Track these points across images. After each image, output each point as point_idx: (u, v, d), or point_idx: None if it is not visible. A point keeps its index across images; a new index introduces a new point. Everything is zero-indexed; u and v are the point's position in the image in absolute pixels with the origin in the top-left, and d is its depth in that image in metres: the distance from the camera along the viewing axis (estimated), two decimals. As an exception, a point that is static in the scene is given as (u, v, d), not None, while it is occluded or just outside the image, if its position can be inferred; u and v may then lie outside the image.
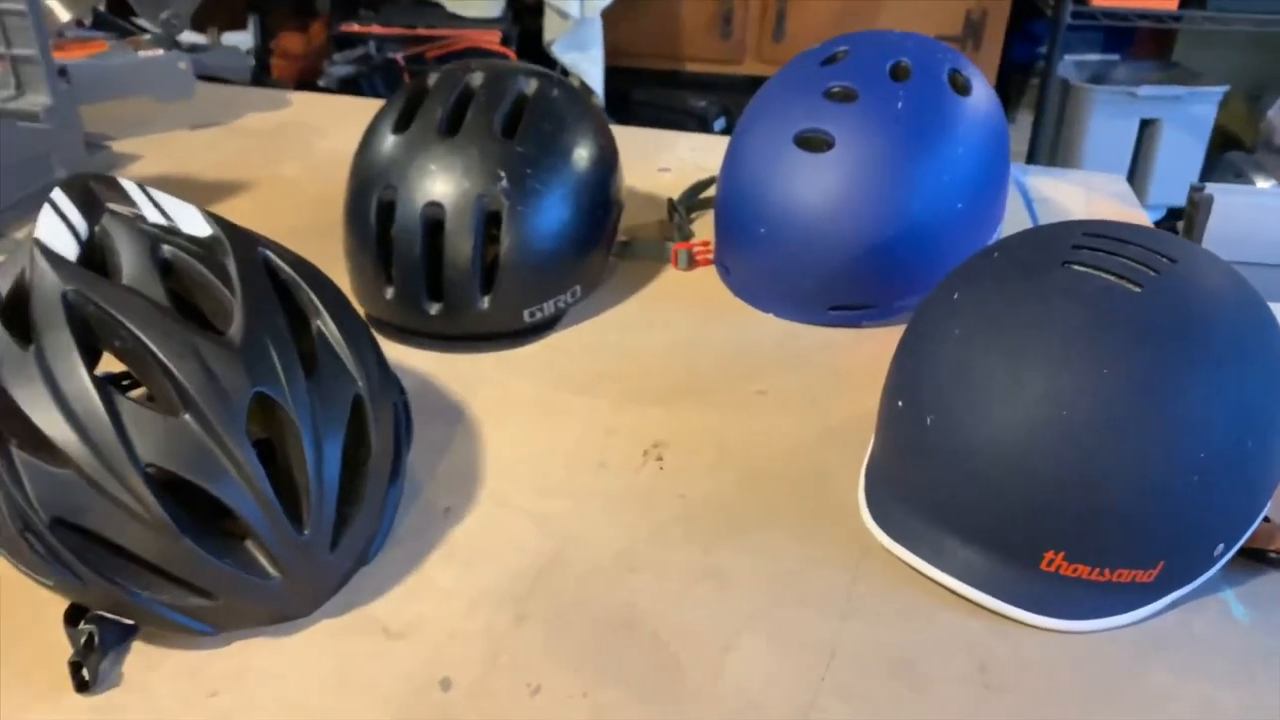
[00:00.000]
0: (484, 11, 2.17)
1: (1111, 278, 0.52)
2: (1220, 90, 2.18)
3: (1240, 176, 2.23)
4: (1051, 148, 2.29)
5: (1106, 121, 2.18)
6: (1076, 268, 0.53)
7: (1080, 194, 1.01)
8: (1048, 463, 0.50)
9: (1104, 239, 0.54)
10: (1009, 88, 2.49)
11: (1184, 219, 0.91)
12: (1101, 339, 0.50)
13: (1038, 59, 2.25)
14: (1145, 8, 2.08)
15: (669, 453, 0.64)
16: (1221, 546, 0.52)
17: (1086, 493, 0.49)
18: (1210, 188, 0.87)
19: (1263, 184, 2.18)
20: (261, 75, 2.27)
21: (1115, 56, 2.38)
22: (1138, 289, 0.51)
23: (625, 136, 0.88)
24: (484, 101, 0.75)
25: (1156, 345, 0.50)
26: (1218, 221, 0.85)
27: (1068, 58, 2.28)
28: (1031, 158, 2.26)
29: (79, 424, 0.46)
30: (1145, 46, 2.40)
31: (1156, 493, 0.49)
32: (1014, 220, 0.91)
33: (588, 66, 2.24)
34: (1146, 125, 2.21)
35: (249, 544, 0.49)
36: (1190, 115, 2.18)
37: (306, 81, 2.30)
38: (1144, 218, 0.97)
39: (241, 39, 2.33)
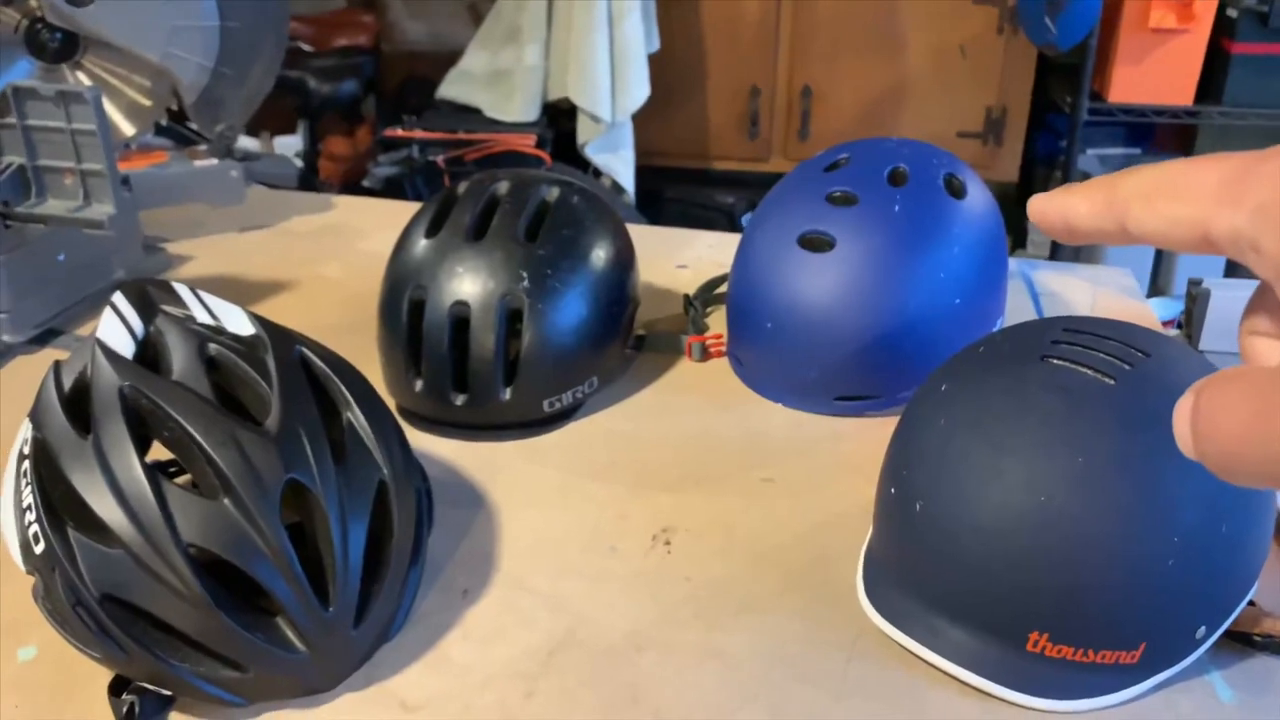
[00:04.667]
0: (521, 116, 2.28)
1: (1087, 371, 0.55)
2: (1242, 182, 2.21)
3: (1266, 266, 2.24)
4: (1075, 239, 2.32)
5: (1129, 213, 2.21)
6: (1054, 361, 0.56)
7: (1086, 288, 1.05)
8: (1028, 546, 0.53)
9: (1081, 334, 0.58)
10: (1033, 181, 2.54)
11: (1184, 312, 0.94)
12: (1077, 428, 0.53)
13: (1060, 153, 2.30)
14: (1161, 104, 2.14)
15: (677, 537, 0.67)
16: (1203, 629, 0.54)
17: (1066, 575, 0.52)
18: (1208, 282, 0.90)
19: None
20: (310, 176, 2.39)
21: (1137, 150, 2.43)
22: (1111, 381, 0.54)
23: (647, 235, 0.94)
24: (509, 208, 0.80)
25: (1129, 434, 0.53)
26: (1216, 314, 0.88)
27: (1090, 151, 2.34)
28: (1055, 247, 2.29)
29: (129, 508, 0.50)
30: (1166, 140, 2.45)
31: (1133, 575, 0.52)
32: (1019, 313, 0.95)
33: (619, 166, 2.32)
34: (1170, 217, 2.24)
35: (279, 620, 0.53)
36: (1213, 207, 2.21)
37: (352, 182, 2.42)
38: (1149, 311, 1.00)
39: (292, 142, 2.46)
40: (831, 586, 0.62)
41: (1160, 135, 2.45)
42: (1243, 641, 0.57)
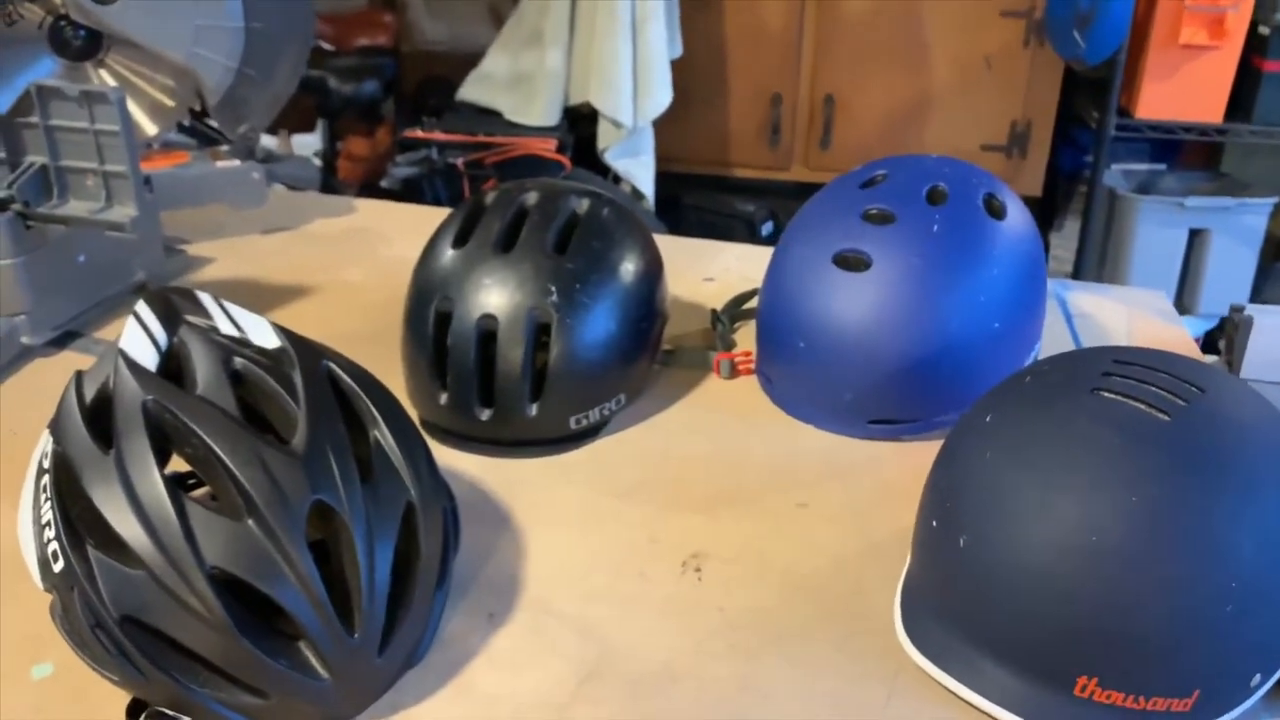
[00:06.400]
0: (541, 120, 2.26)
1: (1141, 405, 0.53)
2: (1270, 201, 2.18)
3: (1294, 286, 2.22)
4: (1100, 256, 2.30)
5: (1154, 230, 2.19)
6: (1106, 394, 0.54)
7: (1122, 310, 1.03)
8: (1077, 586, 0.51)
9: (1134, 366, 0.56)
10: (1056, 195, 2.52)
11: (1224, 339, 0.91)
12: (1130, 466, 0.52)
13: (1085, 167, 2.28)
14: (1190, 121, 2.11)
15: (708, 563, 0.65)
16: (1259, 677, 0.52)
17: (1116, 618, 0.50)
18: (1250, 309, 0.88)
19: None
20: (328, 176, 2.38)
21: (1162, 166, 2.40)
22: (1166, 417, 0.52)
23: (672, 246, 0.92)
24: (538, 220, 0.79)
25: (1185, 474, 0.51)
26: (1259, 341, 0.86)
27: (1115, 167, 2.31)
28: (1079, 264, 2.27)
29: (151, 528, 0.49)
30: (1193, 157, 2.42)
31: (1187, 621, 0.50)
32: (1054, 336, 0.93)
33: (639, 172, 2.31)
34: (1196, 235, 2.21)
35: (302, 645, 0.51)
36: (1240, 226, 2.18)
37: (370, 182, 2.41)
38: (1186, 335, 0.98)
39: (310, 141, 2.46)
40: (869, 620, 0.60)
41: (1187, 152, 2.42)
42: (1297, 689, 0.55)
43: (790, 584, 0.63)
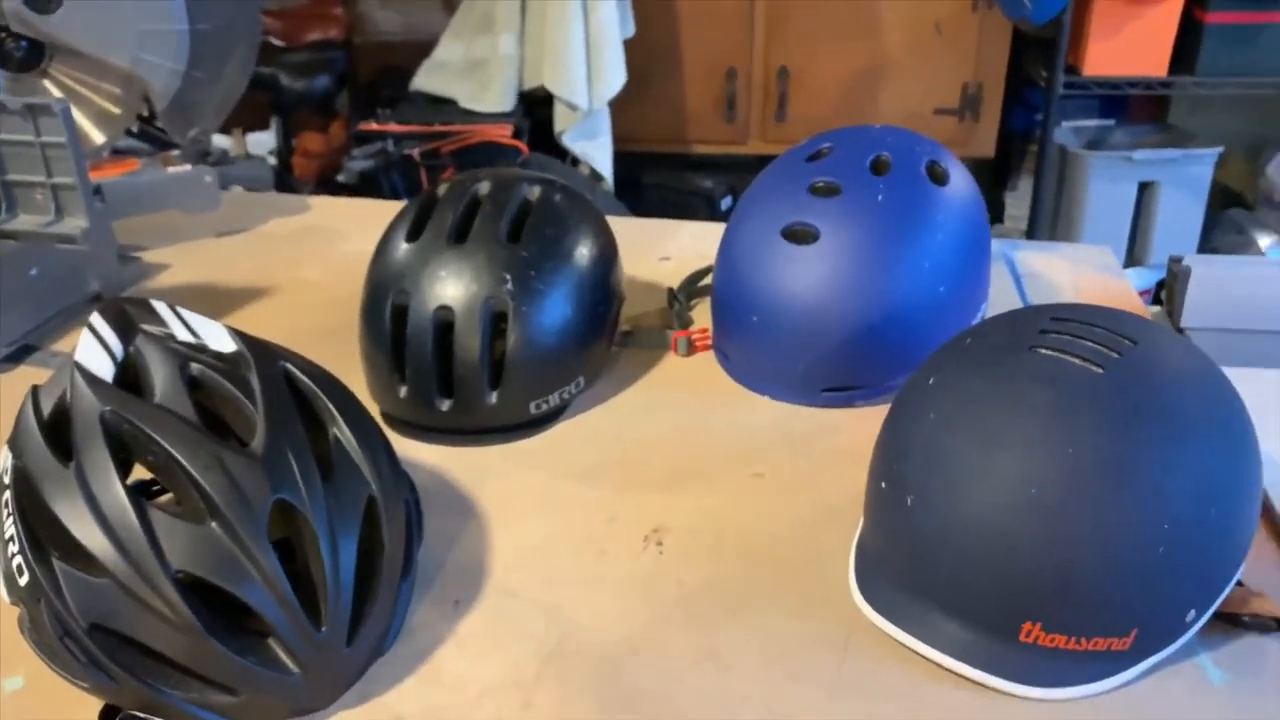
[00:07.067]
0: (497, 106, 2.26)
1: (1076, 360, 0.55)
2: (1215, 151, 2.22)
3: (1242, 234, 2.26)
4: (1053, 213, 2.33)
5: (1105, 185, 2.22)
6: (1043, 351, 0.56)
7: (1067, 267, 1.05)
8: (1020, 538, 0.53)
9: (1070, 322, 0.58)
10: (1010, 156, 2.54)
11: (1165, 289, 0.94)
12: (1067, 420, 0.54)
13: (1036, 126, 2.30)
14: (1135, 75, 2.14)
15: (669, 537, 0.67)
16: (1193, 613, 0.55)
17: (1058, 565, 0.52)
18: (1188, 259, 0.90)
19: (1264, 240, 2.21)
20: (283, 173, 2.36)
21: (1111, 122, 2.43)
22: (1100, 370, 0.54)
23: (628, 227, 0.93)
24: (490, 210, 0.80)
25: (1118, 424, 0.53)
26: (1196, 291, 0.88)
27: (1065, 124, 2.34)
28: (1033, 222, 2.30)
29: (115, 536, 0.50)
30: (1140, 111, 2.45)
31: (1124, 563, 0.52)
32: (1002, 295, 0.95)
33: (597, 154, 2.31)
34: (1145, 188, 2.25)
35: (270, 642, 0.52)
36: (1187, 176, 2.22)
37: (327, 178, 2.39)
38: (1130, 289, 1.00)
39: (265, 139, 2.44)
40: (825, 583, 0.62)
41: (1135, 107, 2.45)
42: (1231, 622, 0.58)
43: (748, 553, 0.65)
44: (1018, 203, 2.48)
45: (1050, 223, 2.32)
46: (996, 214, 2.51)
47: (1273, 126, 2.39)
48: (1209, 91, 2.15)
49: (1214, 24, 2.06)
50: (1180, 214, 2.24)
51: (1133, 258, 2.32)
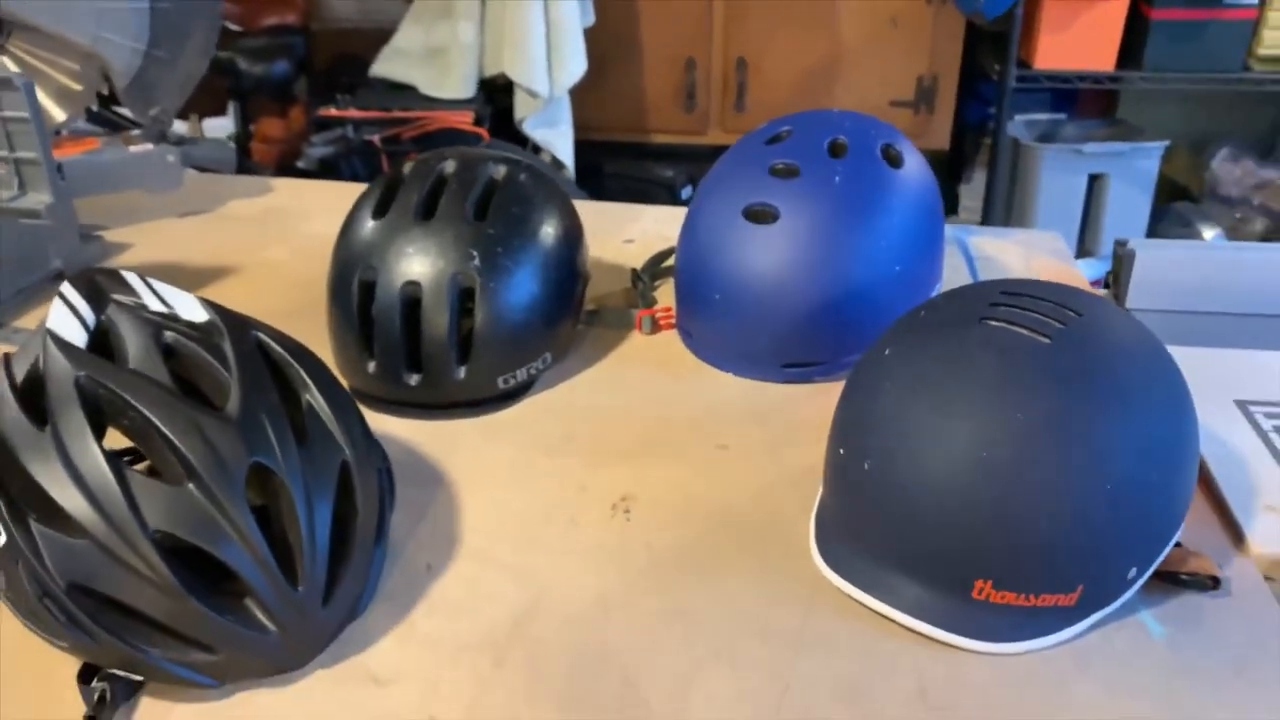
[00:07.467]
0: (457, 93, 2.26)
1: (1024, 331, 0.58)
2: (1161, 145, 2.28)
3: (1188, 226, 2.33)
4: (1006, 204, 2.38)
5: (1056, 177, 2.28)
6: (992, 323, 0.59)
7: (1020, 251, 1.08)
8: (972, 500, 0.55)
9: (1018, 296, 0.60)
10: (964, 148, 2.59)
11: (1111, 272, 0.97)
12: (1014, 386, 0.56)
13: (990, 119, 2.35)
14: (1084, 70, 2.20)
15: (636, 505, 0.69)
16: (1134, 570, 0.57)
17: (1007, 525, 0.55)
18: (1133, 242, 0.94)
19: (1209, 233, 2.28)
20: (243, 160, 2.34)
21: (1062, 115, 2.49)
22: (1046, 340, 0.57)
23: (592, 210, 0.95)
24: (456, 188, 0.81)
25: (1063, 390, 0.56)
26: (1141, 273, 0.92)
27: (1018, 118, 2.39)
28: (987, 213, 2.35)
29: (93, 497, 0.51)
30: (1091, 105, 2.51)
31: (1069, 522, 0.55)
32: (955, 278, 0.97)
33: (558, 142, 2.32)
34: (1095, 180, 2.31)
35: (248, 602, 0.53)
36: (1135, 169, 2.28)
37: (286, 164, 2.38)
38: (1078, 272, 1.04)
39: (222, 125, 2.41)
40: (787, 546, 0.64)
41: (1085, 101, 2.51)
42: (1171, 581, 0.60)
43: (713, 520, 0.67)
44: (972, 194, 2.53)
45: (1004, 214, 2.37)
46: (951, 205, 2.56)
47: (1217, 121, 2.46)
48: (1155, 86, 2.20)
49: (1160, 20, 2.11)
50: (1129, 206, 2.30)
51: (1083, 249, 2.38)
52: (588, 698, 0.54)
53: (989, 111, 2.41)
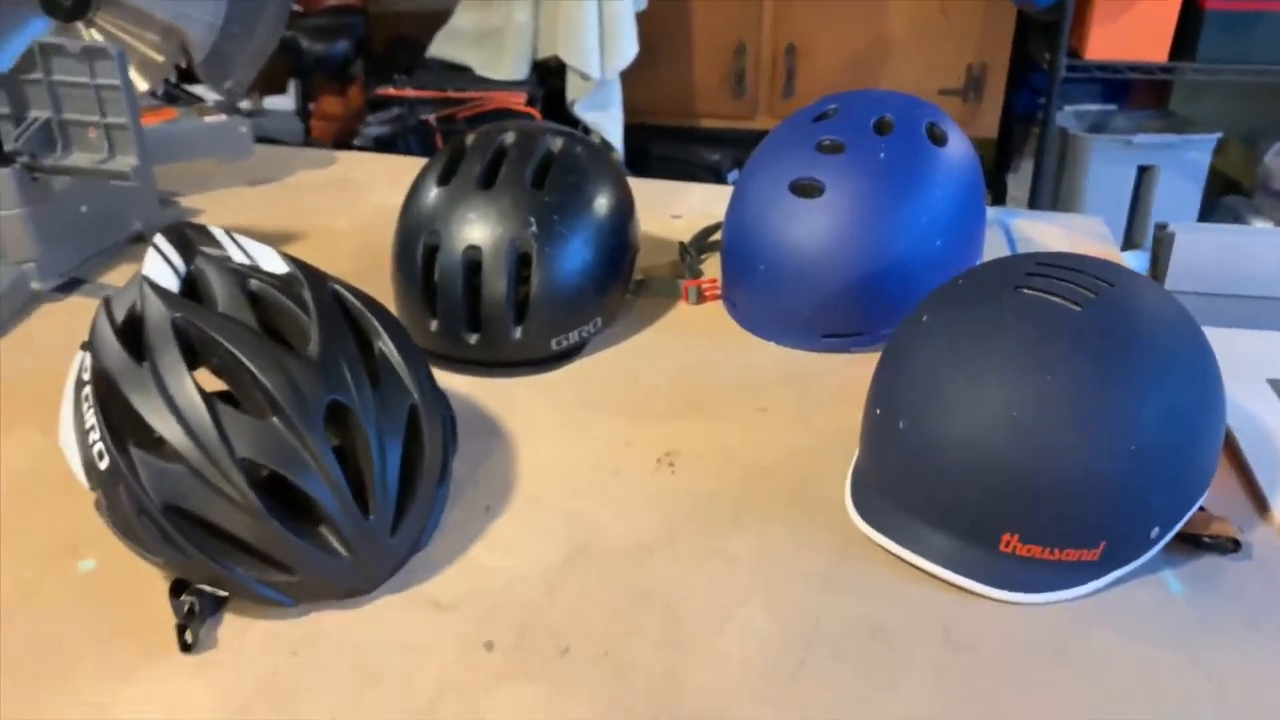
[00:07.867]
0: (511, 74, 2.30)
1: (1056, 299, 0.61)
2: (1213, 137, 2.27)
3: (1239, 220, 2.31)
4: (1053, 194, 2.38)
5: (1105, 168, 2.27)
6: (1027, 291, 0.62)
7: (1061, 234, 1.10)
8: (1002, 457, 0.58)
9: (1053, 267, 0.63)
10: (1012, 137, 2.59)
11: (1151, 255, 0.99)
12: (1045, 351, 0.59)
13: (1039, 109, 2.35)
14: (1136, 60, 2.19)
15: (680, 460, 0.72)
16: (1157, 530, 0.60)
17: (1035, 482, 0.58)
18: (1173, 226, 0.96)
19: (1260, 227, 2.26)
20: (302, 136, 2.41)
21: (1113, 106, 2.48)
22: (1077, 308, 0.60)
23: (642, 187, 0.98)
24: (516, 158, 0.85)
25: (1090, 353, 0.58)
26: (1180, 256, 0.94)
27: (1067, 108, 2.38)
28: (1033, 204, 2.35)
29: (187, 426, 0.55)
30: (1142, 97, 2.50)
31: (1094, 481, 0.57)
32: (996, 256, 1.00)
33: (608, 124, 2.35)
34: (1144, 172, 2.30)
35: (324, 529, 0.58)
36: (1185, 161, 2.27)
37: (344, 141, 2.44)
38: (1120, 255, 1.06)
39: (283, 102, 2.48)
40: (822, 501, 0.68)
41: (1136, 92, 2.50)
42: (1193, 543, 0.63)
43: (752, 474, 0.71)
44: (1019, 184, 2.53)
45: (1051, 204, 2.37)
46: (998, 195, 2.56)
47: (1270, 114, 2.44)
48: (1208, 78, 2.19)
49: (1214, 11, 2.10)
50: (1178, 198, 2.29)
51: (1130, 241, 2.37)
52: (632, 627, 0.58)
53: (1038, 101, 2.40)
